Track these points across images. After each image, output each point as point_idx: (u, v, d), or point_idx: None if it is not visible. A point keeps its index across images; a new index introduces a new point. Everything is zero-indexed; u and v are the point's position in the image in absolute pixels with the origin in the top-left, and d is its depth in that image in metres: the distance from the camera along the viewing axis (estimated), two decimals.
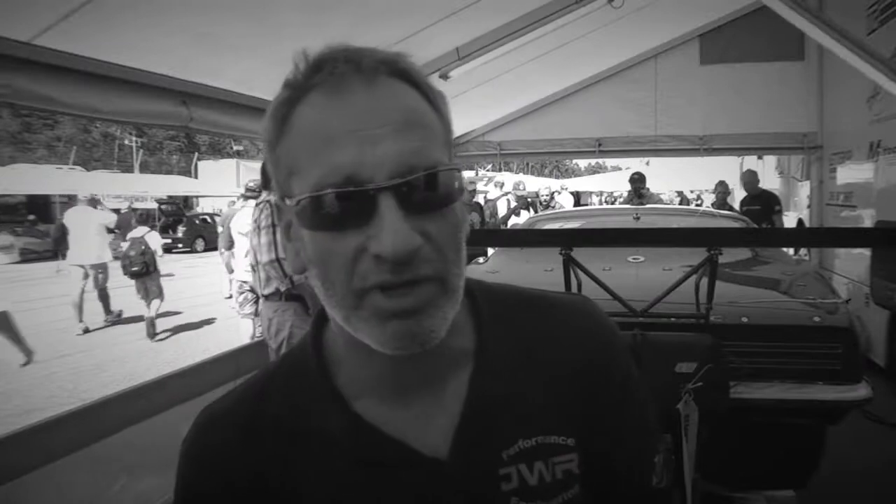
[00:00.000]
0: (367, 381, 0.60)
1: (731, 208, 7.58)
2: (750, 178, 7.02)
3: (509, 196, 9.65)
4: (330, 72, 0.52)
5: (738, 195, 12.08)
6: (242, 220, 5.97)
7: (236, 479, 0.59)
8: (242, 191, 6.38)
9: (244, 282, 6.04)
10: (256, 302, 5.96)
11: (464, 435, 0.59)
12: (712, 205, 8.37)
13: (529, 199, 9.31)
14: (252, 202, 6.14)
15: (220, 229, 6.53)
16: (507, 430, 0.60)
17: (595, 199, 22.48)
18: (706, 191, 19.25)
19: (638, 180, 7.62)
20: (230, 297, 6.96)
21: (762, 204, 6.68)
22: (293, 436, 0.60)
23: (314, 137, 0.52)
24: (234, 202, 7.98)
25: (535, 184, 13.33)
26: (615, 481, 0.66)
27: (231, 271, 6.26)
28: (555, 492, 0.60)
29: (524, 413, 0.61)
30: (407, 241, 0.49)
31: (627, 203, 8.14)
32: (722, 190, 7.89)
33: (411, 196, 0.50)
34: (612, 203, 19.26)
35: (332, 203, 0.50)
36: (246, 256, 5.87)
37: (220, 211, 21.51)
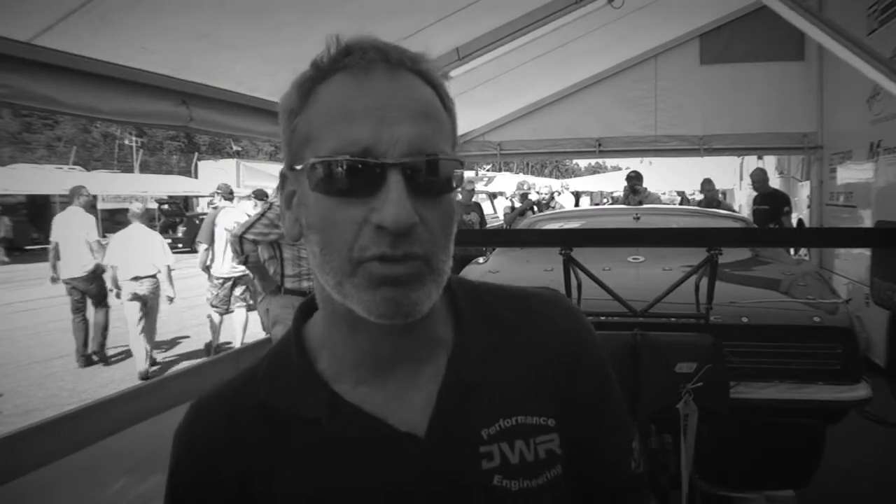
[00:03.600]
0: (346, 363, 0.63)
1: (718, 204, 7.53)
2: (760, 177, 6.96)
3: (513, 197, 9.68)
4: (359, 57, 0.57)
5: (738, 195, 12.11)
6: (229, 218, 6.26)
7: (221, 465, 0.62)
8: (221, 193, 6.72)
9: (227, 278, 6.31)
10: (230, 297, 6.37)
11: (441, 412, 0.61)
12: (700, 203, 8.32)
13: (535, 200, 9.32)
14: (229, 203, 6.53)
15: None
16: (486, 410, 0.62)
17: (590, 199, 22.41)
18: (696, 190, 19.23)
19: (634, 178, 7.65)
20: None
21: (771, 204, 6.63)
22: (275, 419, 0.62)
23: (336, 111, 0.56)
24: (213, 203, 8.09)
25: (536, 184, 13.31)
26: (595, 465, 0.68)
27: (206, 269, 6.40)
28: (537, 470, 0.62)
29: (503, 394, 0.64)
30: (408, 215, 0.53)
31: (624, 201, 8.16)
32: (709, 188, 7.83)
33: (416, 177, 0.55)
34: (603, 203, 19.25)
35: (344, 171, 0.54)
36: (225, 253, 6.20)
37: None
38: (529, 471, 0.61)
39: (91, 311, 6.48)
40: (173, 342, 7.45)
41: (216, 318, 6.49)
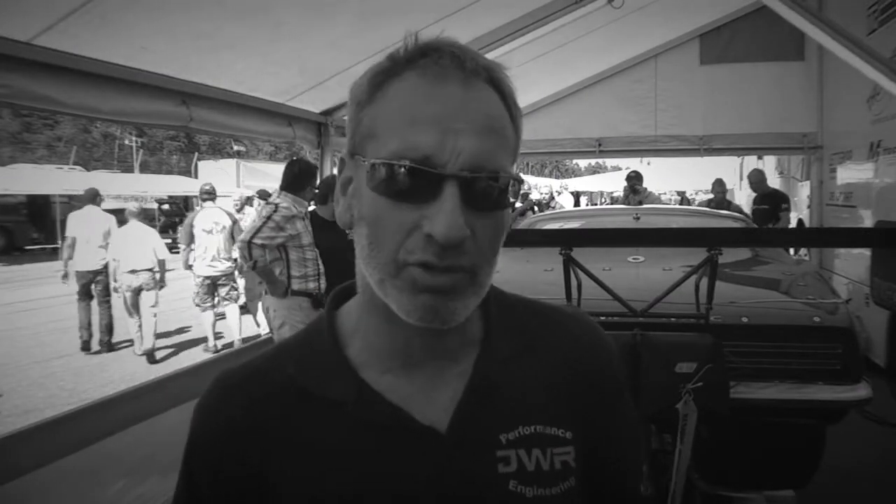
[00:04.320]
0: (376, 353, 0.63)
1: (729, 204, 7.53)
2: (758, 178, 6.92)
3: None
4: (435, 61, 0.56)
5: (738, 195, 12.12)
6: (207, 218, 6.52)
7: (246, 452, 0.62)
8: (199, 193, 7.02)
9: (207, 277, 6.53)
10: (213, 295, 6.59)
11: (464, 411, 0.61)
12: (709, 203, 8.32)
13: (535, 200, 9.30)
14: (210, 203, 6.70)
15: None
16: (507, 415, 0.63)
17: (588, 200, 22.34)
18: (703, 191, 19.21)
19: (634, 178, 7.64)
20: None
21: (771, 204, 6.60)
22: (301, 400, 0.62)
23: (403, 112, 0.56)
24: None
25: (534, 184, 13.32)
26: (606, 484, 0.68)
27: (188, 267, 6.70)
28: (552, 480, 0.62)
29: (524, 401, 0.64)
30: (459, 230, 0.53)
31: (624, 201, 8.15)
32: (720, 189, 7.84)
33: (472, 191, 0.55)
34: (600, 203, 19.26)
35: (403, 174, 0.54)
36: (205, 253, 6.46)
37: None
38: (545, 480, 0.62)
39: (95, 303, 6.96)
40: (173, 339, 7.51)
41: (208, 316, 6.68)
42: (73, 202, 21.02)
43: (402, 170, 0.54)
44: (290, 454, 0.61)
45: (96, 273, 6.81)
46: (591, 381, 0.68)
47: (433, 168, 0.54)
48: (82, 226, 6.84)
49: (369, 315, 0.63)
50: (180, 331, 7.89)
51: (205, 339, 6.90)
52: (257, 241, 3.56)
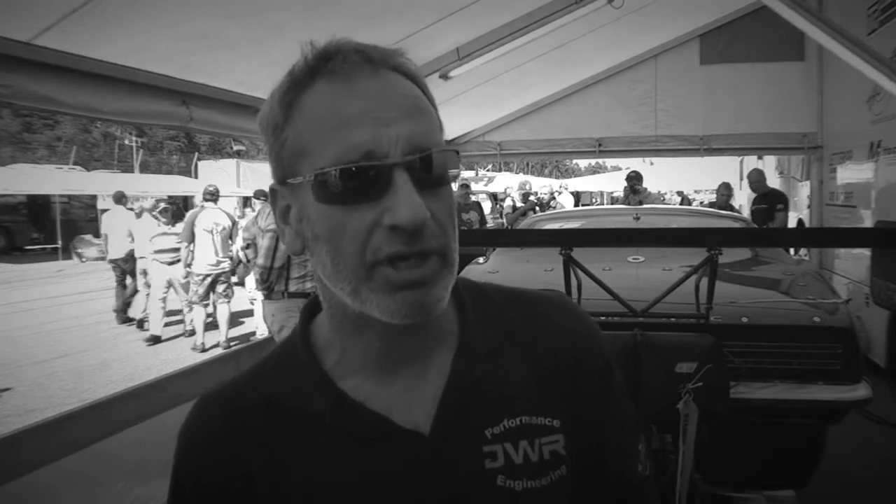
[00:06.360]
0: (353, 362, 0.62)
1: (731, 208, 7.55)
2: (757, 178, 6.92)
3: (514, 196, 9.63)
4: (341, 62, 0.56)
5: (738, 196, 12.15)
6: (208, 218, 6.70)
7: (224, 464, 0.61)
8: (202, 193, 7.28)
9: (207, 275, 6.73)
10: (209, 293, 6.83)
11: (446, 411, 0.60)
12: (711, 205, 8.35)
13: (537, 201, 9.30)
14: (211, 204, 6.87)
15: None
16: (490, 409, 0.62)
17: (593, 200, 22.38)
18: (707, 191, 19.22)
19: (634, 178, 7.65)
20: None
21: (770, 203, 6.60)
22: (281, 416, 0.62)
23: (328, 120, 0.55)
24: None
25: (536, 184, 13.32)
26: (601, 467, 0.67)
27: (188, 265, 6.87)
28: (541, 471, 0.61)
29: (508, 393, 0.63)
30: (422, 211, 0.53)
31: (624, 201, 8.17)
32: (726, 193, 7.86)
33: (420, 173, 0.55)
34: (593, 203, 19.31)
35: (348, 178, 0.54)
36: (205, 251, 6.66)
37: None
38: (534, 471, 0.61)
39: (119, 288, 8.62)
40: (173, 334, 7.61)
41: (200, 313, 6.83)
42: (73, 202, 21.13)
43: (350, 172, 0.53)
44: (274, 469, 0.60)
45: (124, 261, 8.28)
46: (576, 366, 0.67)
47: (378, 161, 0.53)
48: (112, 223, 8.47)
49: (342, 329, 0.62)
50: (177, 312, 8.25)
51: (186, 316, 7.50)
52: (277, 263, 3.56)
